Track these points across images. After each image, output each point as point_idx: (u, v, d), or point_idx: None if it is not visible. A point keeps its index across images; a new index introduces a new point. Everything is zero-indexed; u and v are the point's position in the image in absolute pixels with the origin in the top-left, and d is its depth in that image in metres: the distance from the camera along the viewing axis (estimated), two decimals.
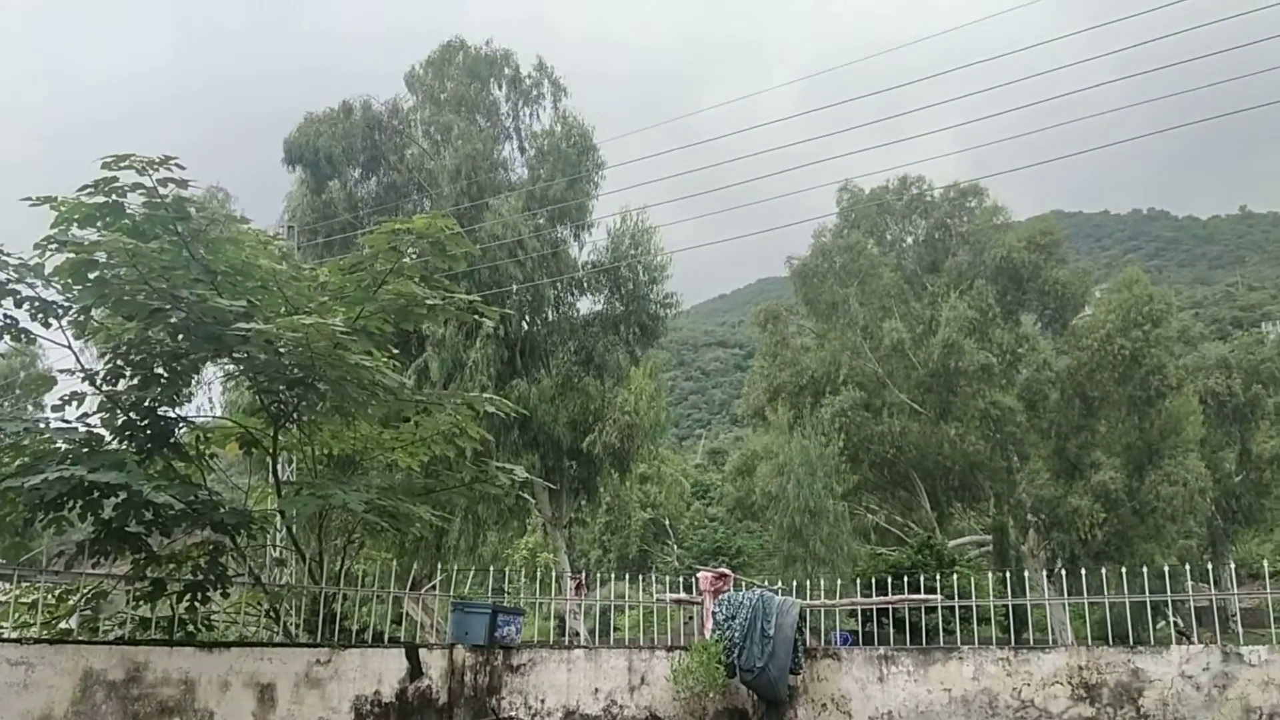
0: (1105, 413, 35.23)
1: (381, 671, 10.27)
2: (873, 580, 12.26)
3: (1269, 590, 10.46)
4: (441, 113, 31.20)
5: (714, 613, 10.56)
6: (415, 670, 10.54)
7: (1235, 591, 18.01)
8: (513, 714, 10.74)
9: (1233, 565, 19.14)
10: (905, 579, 11.85)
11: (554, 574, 14.00)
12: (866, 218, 40.48)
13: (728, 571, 11.38)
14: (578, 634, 23.98)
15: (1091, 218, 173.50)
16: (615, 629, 18.84)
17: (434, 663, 10.70)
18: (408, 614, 18.20)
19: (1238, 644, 8.70)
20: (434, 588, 16.24)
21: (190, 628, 10.13)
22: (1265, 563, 9.87)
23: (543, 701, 10.73)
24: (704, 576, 11.17)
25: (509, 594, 14.42)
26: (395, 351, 11.62)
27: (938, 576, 13.39)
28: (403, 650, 10.64)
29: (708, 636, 10.38)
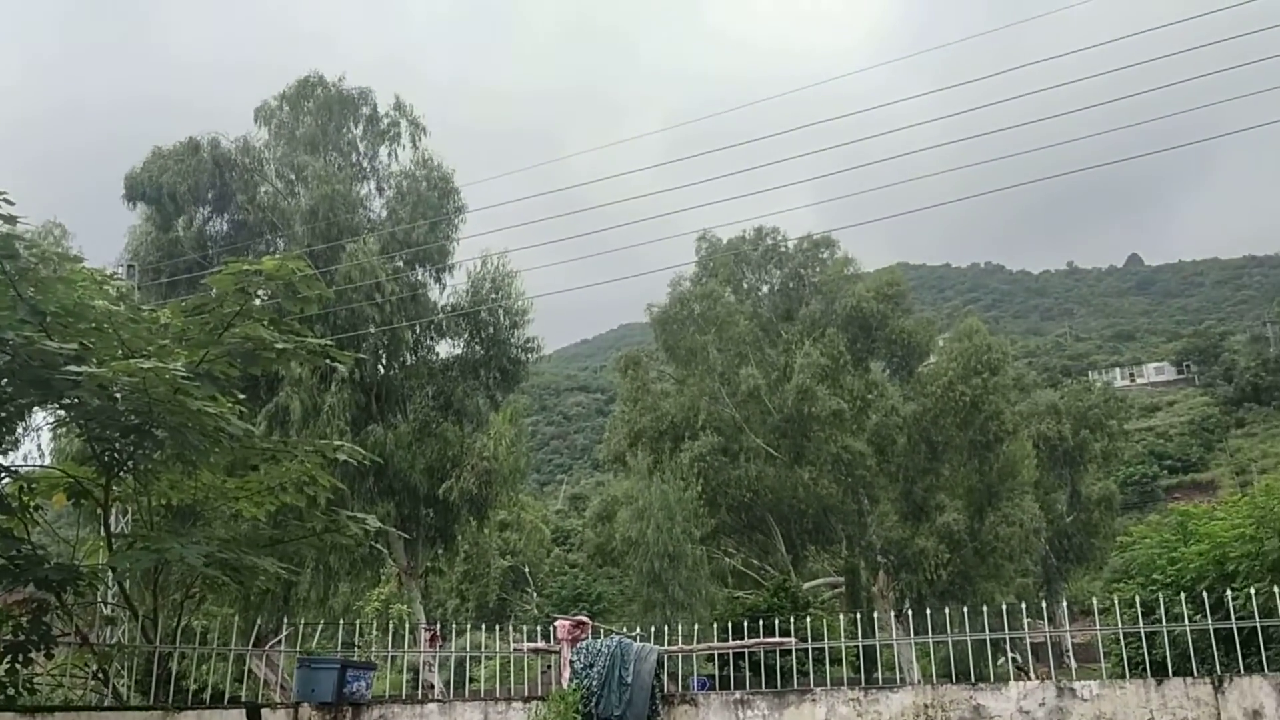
0: (949, 456, 36.74)
1: None
2: (730, 624, 12.36)
3: (1099, 626, 11.06)
4: (296, 151, 30.49)
5: (572, 661, 10.46)
6: None
7: (1069, 628, 18.94)
8: None
9: (1065, 602, 20.16)
10: (762, 622, 12.00)
11: (408, 625, 13.59)
12: (724, 267, 41.41)
13: (586, 619, 11.30)
14: (432, 687, 23.36)
15: (935, 270, 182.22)
16: (472, 680, 18.42)
17: None
18: (251, 671, 17.35)
19: (1071, 679, 9.12)
20: (280, 643, 15.55)
21: (10, 691, 9.39)
22: (1095, 599, 10.43)
23: None
24: (562, 625, 11.06)
25: (360, 648, 13.94)
26: (242, 396, 11.18)
27: (793, 619, 13.65)
28: (244, 711, 10.13)
29: (565, 686, 10.26)
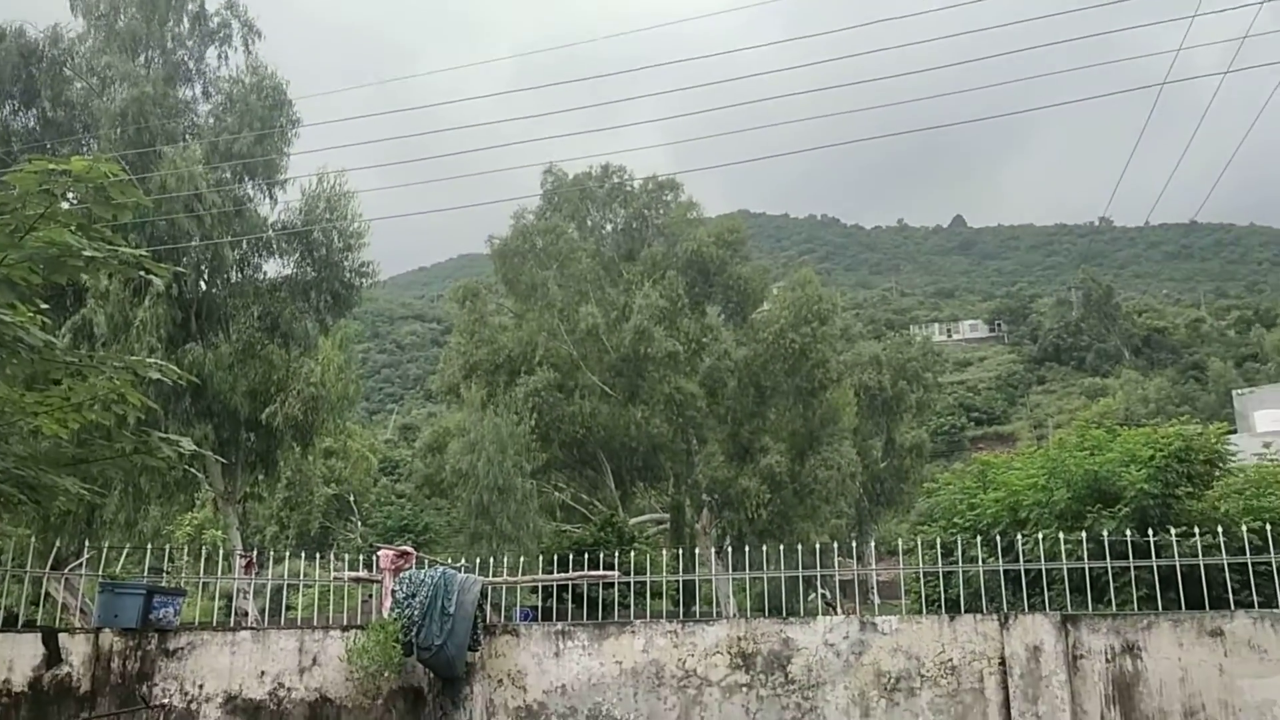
0: (775, 401, 38.00)
1: (12, 659, 9.22)
2: (555, 557, 12.51)
3: (902, 566, 11.74)
4: (112, 46, 28.25)
5: (394, 591, 10.34)
6: (53, 657, 9.56)
7: (874, 567, 20.03)
8: (166, 700, 10.01)
9: (874, 543, 21.27)
10: (587, 556, 12.19)
11: (223, 552, 13.11)
12: (569, 202, 41.16)
13: (410, 549, 11.18)
14: (246, 614, 22.76)
15: (774, 219, 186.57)
16: (289, 609, 18.03)
17: (76, 648, 9.74)
18: (50, 595, 16.45)
19: (874, 614, 9.66)
20: (81, 566, 14.77)
21: None
22: (900, 541, 11.08)
23: (201, 687, 10.07)
24: (385, 554, 10.90)
25: (169, 573, 13.40)
26: (45, 306, 10.40)
27: (618, 553, 13.90)
28: (38, 635, 9.60)
29: (386, 615, 10.15)
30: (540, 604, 18.30)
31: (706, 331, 38.17)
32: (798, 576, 11.36)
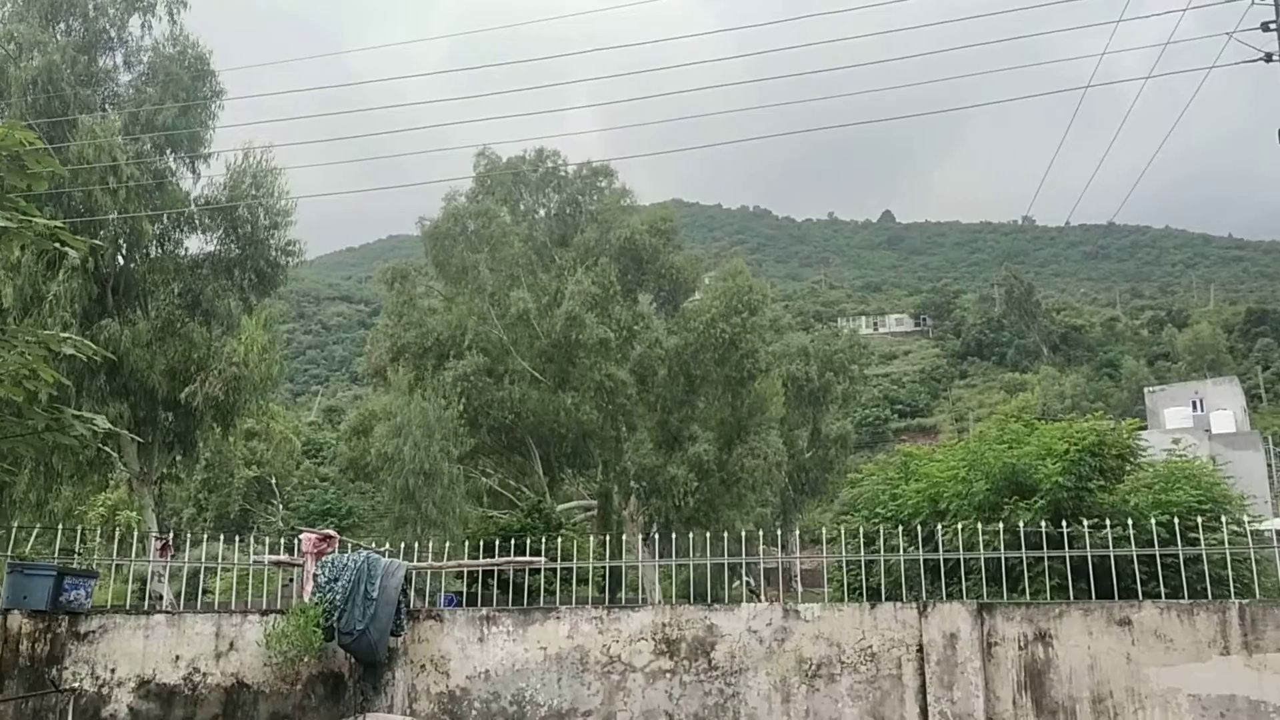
0: (705, 390, 38.24)
1: None
2: (481, 543, 12.41)
3: (825, 554, 11.89)
4: (29, 13, 27.18)
5: (316, 575, 10.19)
6: None
7: (798, 555, 20.28)
8: (76, 684, 9.74)
9: (798, 531, 21.54)
10: (514, 541, 12.10)
11: (137, 534, 12.78)
12: (502, 185, 40.83)
13: (333, 533, 11.01)
14: (160, 598, 22.24)
15: (707, 209, 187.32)
16: (206, 593, 17.64)
17: None
18: None
19: (797, 602, 9.79)
20: None
21: None
22: (824, 529, 11.21)
23: (113, 671, 9.83)
24: (307, 538, 10.73)
25: (81, 555, 13.02)
26: None
27: (544, 539, 13.85)
28: None
29: (307, 599, 10.00)
30: (465, 590, 18.18)
31: (638, 319, 38.22)
32: (723, 564, 11.46)
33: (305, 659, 9.64)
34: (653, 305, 41.01)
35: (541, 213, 42.43)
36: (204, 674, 9.92)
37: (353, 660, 9.87)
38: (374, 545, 12.48)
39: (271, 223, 27.94)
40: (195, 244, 28.47)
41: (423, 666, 9.82)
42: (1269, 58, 18.58)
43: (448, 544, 13.10)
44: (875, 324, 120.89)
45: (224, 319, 27.52)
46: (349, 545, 11.89)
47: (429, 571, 12.09)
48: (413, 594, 10.67)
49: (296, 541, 11.15)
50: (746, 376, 37.26)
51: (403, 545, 11.56)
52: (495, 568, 11.81)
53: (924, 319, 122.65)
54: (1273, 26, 18.59)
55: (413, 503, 29.46)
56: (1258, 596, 10.00)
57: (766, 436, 37.73)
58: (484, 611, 9.92)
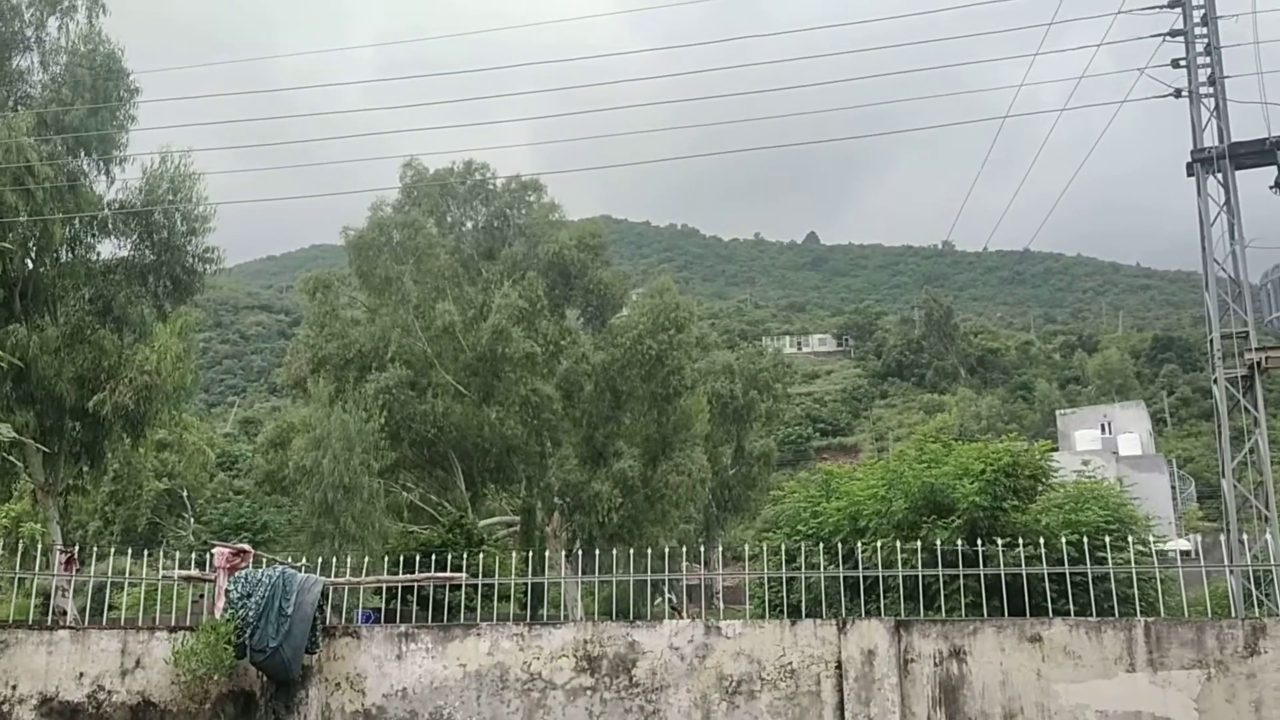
0: (631, 406, 38.25)
1: None
2: (402, 558, 12.23)
3: (747, 571, 11.99)
4: None
5: (228, 590, 9.94)
6: None
7: (721, 572, 20.37)
8: None
9: (720, 548, 21.65)
10: (435, 557, 11.96)
11: (41, 546, 12.27)
12: (429, 197, 40.45)
13: (247, 548, 10.75)
14: (65, 613, 21.43)
15: (635, 226, 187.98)
16: (112, 608, 17.06)
17: None
18: None
19: (719, 619, 9.82)
20: None
21: None
22: (746, 546, 11.28)
23: (14, 688, 9.46)
24: (220, 552, 10.45)
25: None
26: None
27: (466, 555, 13.71)
28: None
29: (218, 616, 9.73)
30: (384, 606, 17.89)
31: (565, 334, 38.11)
32: (646, 580, 11.45)
33: (215, 677, 9.40)
34: (580, 320, 40.94)
35: (469, 225, 42.13)
36: (109, 692, 9.60)
37: (265, 678, 9.64)
38: (290, 560, 12.20)
39: (189, 228, 27.24)
40: (108, 249, 27.66)
41: (338, 684, 9.63)
42: (1178, 94, 19.36)
43: (367, 559, 12.88)
44: (799, 343, 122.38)
45: (136, 326, 26.73)
46: (264, 560, 11.61)
47: (347, 587, 11.86)
48: (329, 610, 10.46)
49: (208, 556, 10.86)
50: (672, 393, 37.36)
51: (319, 560, 11.33)
52: (415, 584, 11.64)
53: (846, 339, 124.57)
54: (1182, 64, 19.38)
55: (331, 517, 28.87)
56: (1162, 615, 10.33)
57: (691, 453, 37.85)
58: (403, 628, 9.77)
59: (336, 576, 10.89)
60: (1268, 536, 16.60)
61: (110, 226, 27.06)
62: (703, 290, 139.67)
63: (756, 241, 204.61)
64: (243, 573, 10.00)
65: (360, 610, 15.56)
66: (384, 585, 12.07)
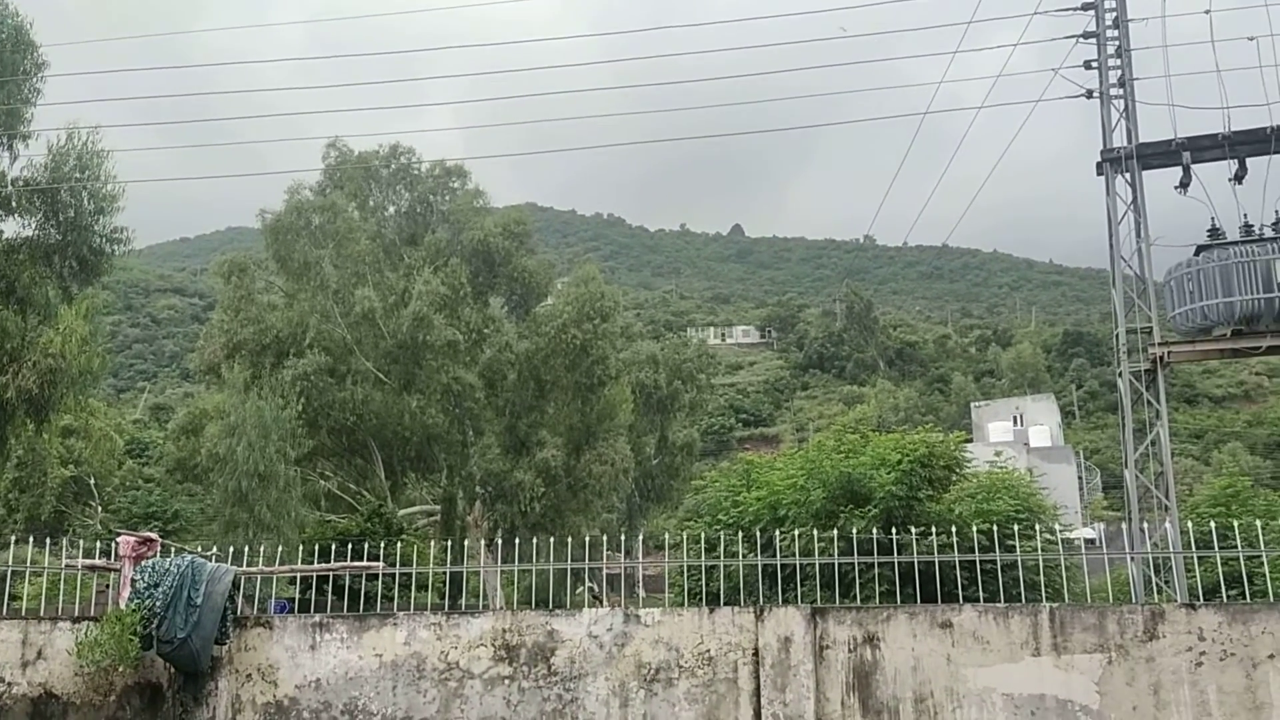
0: (554, 395, 38.14)
1: None
2: (317, 547, 12.01)
3: (667, 560, 12.04)
4: None
5: (134, 580, 9.66)
6: None
7: (642, 561, 20.45)
8: None
9: (641, 537, 21.74)
10: (352, 546, 11.78)
11: None
12: (351, 180, 39.77)
13: (154, 536, 10.46)
14: None
15: (561, 214, 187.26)
16: (14, 599, 16.48)
17: None
18: None
19: (639, 607, 9.85)
20: None
21: None
22: (667, 536, 11.35)
23: None
24: (125, 541, 10.16)
25: None
26: None
27: (384, 544, 13.51)
28: None
29: (124, 606, 9.46)
30: (299, 596, 17.58)
31: (488, 322, 37.82)
32: (566, 570, 11.44)
33: (120, 669, 9.15)
34: (504, 309, 40.67)
35: (391, 210, 41.51)
36: (9, 684, 9.31)
37: (173, 670, 9.40)
38: (200, 549, 11.91)
39: (96, 208, 26.31)
40: (11, 227, 26.59)
41: (249, 676, 9.43)
42: (1090, 94, 19.91)
43: (281, 549, 12.63)
44: (723, 335, 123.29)
45: (41, 308, 25.78)
46: (172, 549, 11.31)
47: (260, 577, 11.63)
48: (241, 600, 10.24)
49: (114, 545, 10.56)
50: (596, 383, 37.35)
51: (231, 550, 11.09)
52: (331, 573, 11.46)
53: (769, 331, 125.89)
54: (1094, 65, 19.93)
55: (245, 506, 28.27)
56: (1067, 601, 10.66)
57: (615, 443, 37.90)
58: (317, 618, 9.61)
59: (249, 566, 10.67)
60: (1167, 525, 17.24)
61: (14, 204, 26.03)
62: (628, 280, 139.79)
63: (682, 232, 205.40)
64: (149, 562, 9.74)
65: (274, 600, 15.25)
66: (299, 575, 11.85)
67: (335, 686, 9.28)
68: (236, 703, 9.41)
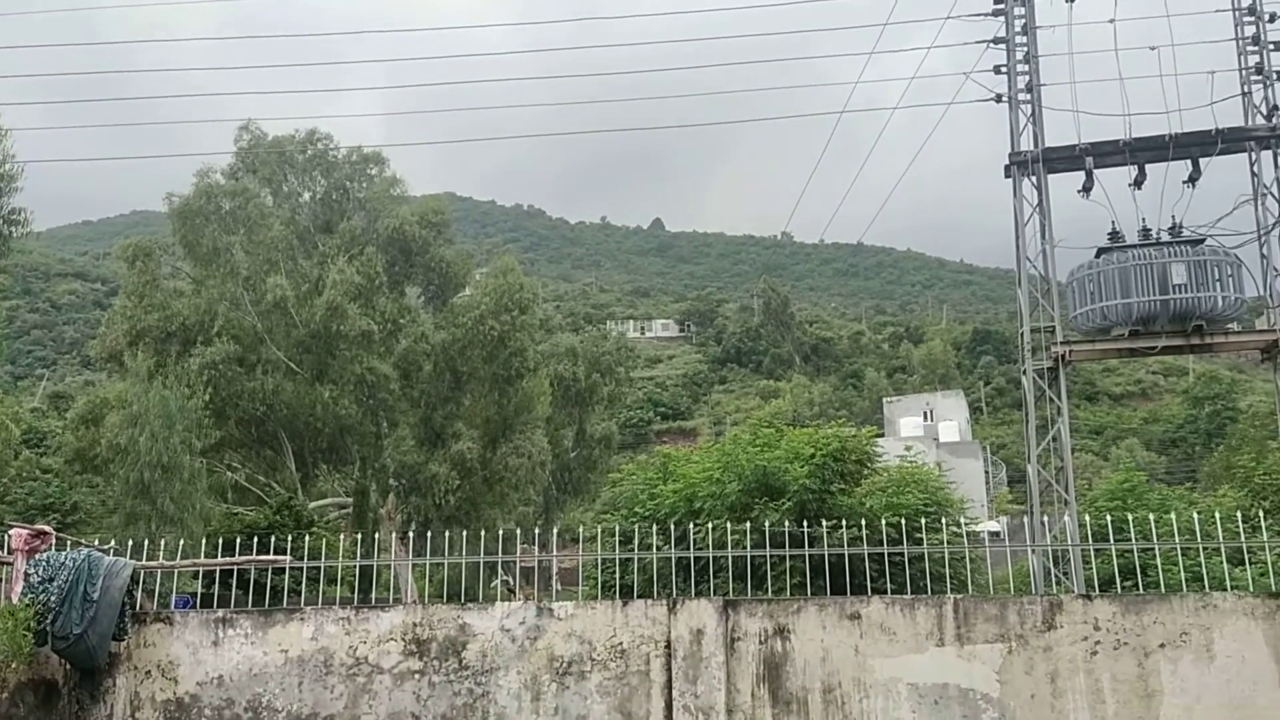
0: (471, 387, 37.79)
1: None
2: (223, 540, 11.71)
3: (582, 553, 12.03)
4: None
5: (27, 574, 9.30)
6: None
7: (557, 554, 20.42)
8: None
9: (558, 530, 21.70)
10: (259, 539, 11.51)
11: None
12: (265, 165, 38.79)
13: (48, 529, 10.06)
14: None
15: (481, 205, 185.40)
16: None
17: None
18: None
19: (552, 600, 9.82)
20: None
21: None
22: (583, 528, 11.32)
23: None
24: (17, 533, 9.75)
25: None
26: None
27: (293, 537, 13.24)
28: None
29: (16, 601, 9.10)
30: (203, 591, 17.16)
31: (404, 312, 37.29)
32: (480, 563, 11.33)
33: (13, 665, 8.81)
34: (420, 299, 40.13)
35: (306, 196, 40.57)
36: None
37: (69, 666, 9.09)
38: (99, 543, 11.52)
39: None
40: None
41: (148, 672, 9.17)
42: (999, 98, 20.44)
43: (183, 542, 12.28)
44: (643, 328, 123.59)
45: None
46: (68, 542, 10.92)
47: (161, 571, 11.29)
48: (141, 595, 9.94)
49: (6, 538, 10.14)
50: (514, 375, 37.10)
51: (130, 543, 10.74)
52: (236, 567, 11.17)
53: (688, 325, 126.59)
54: (1003, 70, 20.46)
55: (148, 498, 27.39)
56: (971, 593, 10.94)
57: (532, 435, 37.71)
58: (220, 613, 9.38)
59: (150, 560, 10.35)
60: (1066, 518, 17.83)
61: None
62: (548, 272, 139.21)
63: (603, 225, 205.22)
64: (44, 556, 9.39)
65: (175, 595, 14.83)
66: (202, 569, 11.53)
67: (238, 683, 9.07)
68: (135, 700, 9.14)
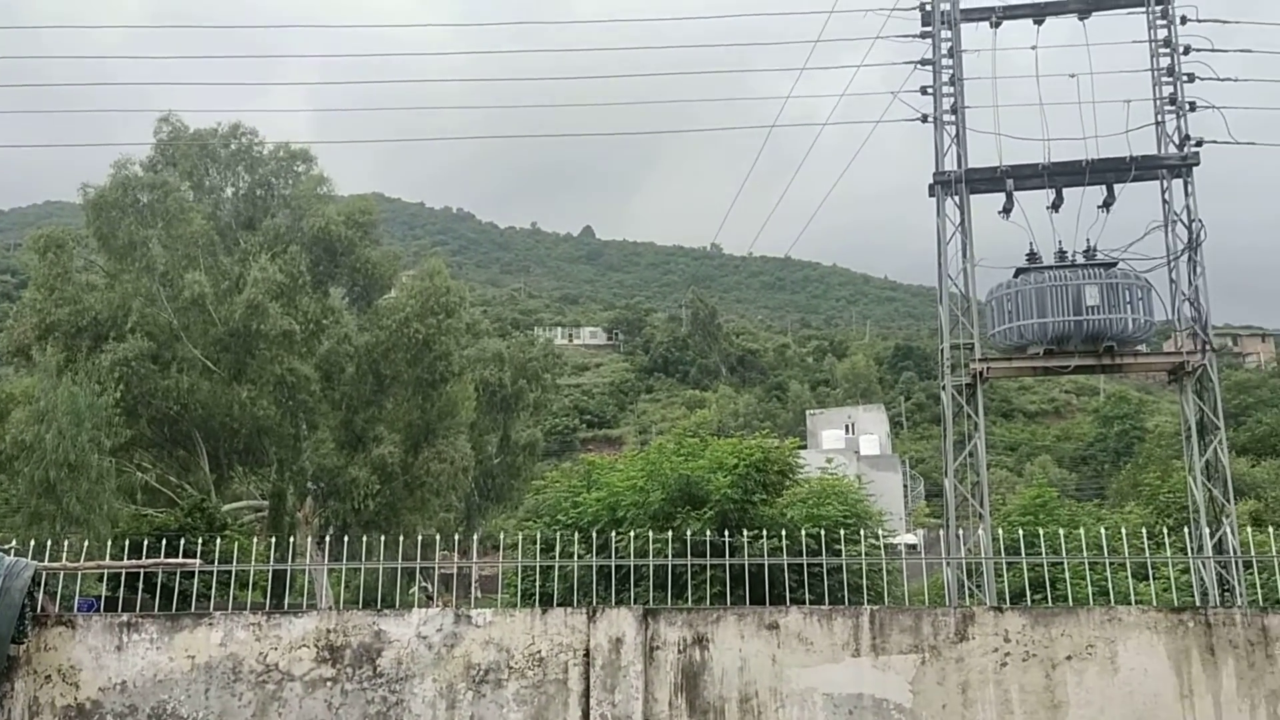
0: (395, 391, 37.26)
1: None
2: (130, 543, 11.36)
3: (501, 560, 11.92)
4: None
5: None
6: None
7: (478, 561, 20.23)
8: None
9: (478, 537, 21.50)
10: (168, 541, 11.19)
11: None
12: (186, 158, 37.83)
13: None
14: None
15: (409, 207, 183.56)
16: None
17: None
18: None
19: (470, 607, 9.70)
20: None
21: None
22: (504, 535, 11.23)
23: None
24: None
25: None
26: None
27: (204, 540, 12.91)
28: None
29: None
30: (109, 594, 16.61)
31: (327, 313, 36.64)
32: (398, 569, 11.16)
33: None
34: (345, 300, 39.47)
35: (229, 192, 39.64)
36: None
37: None
38: None
39: None
40: None
41: (48, 677, 8.84)
42: (925, 118, 20.88)
43: (87, 543, 11.87)
44: (570, 335, 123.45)
45: None
46: None
47: (64, 573, 10.89)
48: (43, 597, 9.58)
49: None
50: (439, 379, 36.68)
51: (32, 543, 10.36)
52: (144, 570, 10.84)
53: (616, 334, 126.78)
54: (929, 91, 20.91)
55: (53, 497, 26.47)
56: (887, 603, 11.10)
57: (455, 441, 37.32)
58: (124, 617, 9.08)
59: (53, 561, 9.99)
60: (980, 532, 18.20)
61: None
62: (476, 276, 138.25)
63: (533, 231, 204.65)
64: None
65: (78, 598, 14.34)
66: (108, 571, 11.15)
67: (143, 689, 8.79)
68: (34, 705, 8.81)
